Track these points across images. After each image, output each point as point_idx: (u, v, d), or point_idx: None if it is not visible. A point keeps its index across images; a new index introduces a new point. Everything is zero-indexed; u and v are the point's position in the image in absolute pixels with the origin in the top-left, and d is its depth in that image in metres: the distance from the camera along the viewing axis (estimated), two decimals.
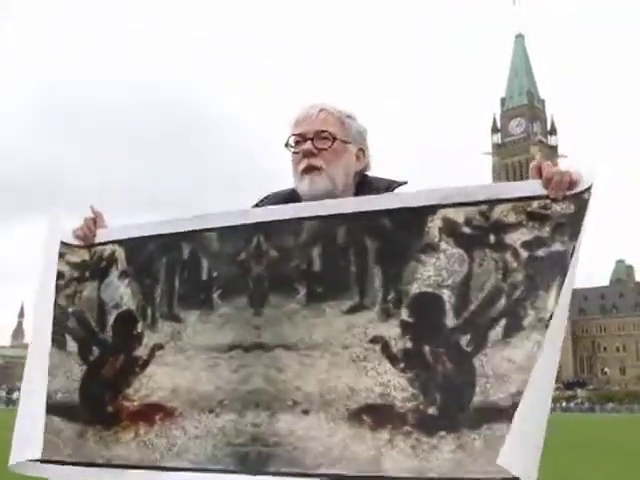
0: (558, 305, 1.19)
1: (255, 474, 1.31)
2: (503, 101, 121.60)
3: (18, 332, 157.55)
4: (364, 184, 1.61)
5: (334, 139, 1.56)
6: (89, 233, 1.63)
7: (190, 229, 1.53)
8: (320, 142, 1.56)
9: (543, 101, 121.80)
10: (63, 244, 1.63)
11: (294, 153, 1.60)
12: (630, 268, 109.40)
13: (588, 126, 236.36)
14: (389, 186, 1.59)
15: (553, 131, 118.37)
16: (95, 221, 1.65)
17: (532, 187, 1.31)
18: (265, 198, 1.69)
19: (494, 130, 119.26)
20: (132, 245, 1.59)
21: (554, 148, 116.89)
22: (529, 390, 1.12)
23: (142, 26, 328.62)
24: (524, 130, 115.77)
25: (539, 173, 1.31)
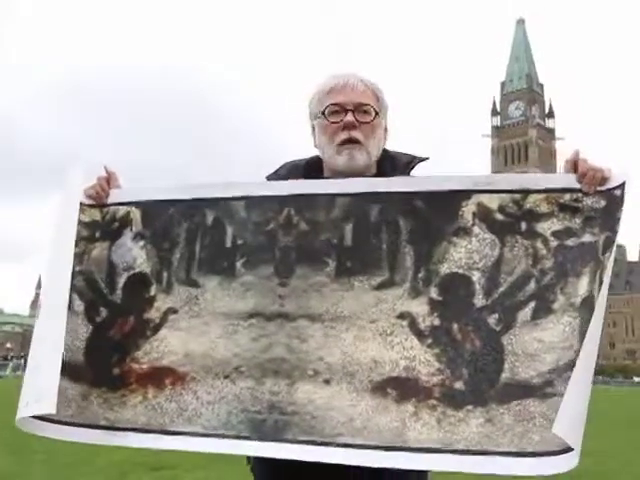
0: (600, 292, 1.21)
1: (271, 441, 1.26)
2: (503, 85, 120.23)
3: (36, 303, 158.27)
4: (386, 159, 1.54)
5: (376, 114, 1.47)
6: (102, 192, 1.53)
7: (216, 196, 1.47)
8: (361, 115, 1.46)
9: (542, 85, 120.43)
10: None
11: (332, 123, 1.47)
12: (622, 248, 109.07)
13: (585, 109, 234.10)
14: (410, 162, 1.53)
15: (551, 114, 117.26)
16: (109, 181, 1.55)
17: (566, 180, 1.31)
18: (281, 167, 1.60)
19: (494, 113, 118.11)
20: (150, 207, 1.50)
21: (552, 131, 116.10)
22: (578, 369, 1.13)
23: (160, 10, 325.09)
24: (523, 113, 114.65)
25: (574, 167, 1.31)
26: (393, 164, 1.52)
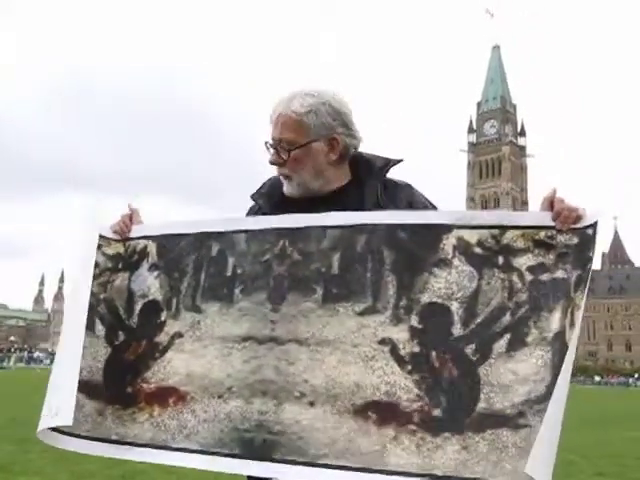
0: (573, 330, 1.21)
1: (260, 460, 1.27)
2: (479, 105, 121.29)
3: (38, 299, 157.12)
4: (360, 163, 1.51)
5: (289, 151, 1.45)
6: (125, 228, 1.60)
7: (220, 230, 1.50)
8: (282, 151, 1.46)
9: (515, 105, 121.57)
10: (101, 237, 1.60)
11: None
12: None
13: (554, 130, 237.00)
14: (385, 165, 1.51)
15: (523, 133, 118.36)
16: (131, 217, 1.62)
17: (541, 218, 1.30)
18: (263, 185, 1.61)
19: (470, 130, 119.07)
20: (164, 241, 1.56)
21: (523, 148, 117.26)
22: (552, 406, 1.11)
23: (159, 11, 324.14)
24: (497, 131, 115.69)
25: (550, 206, 1.30)
26: (368, 168, 1.50)
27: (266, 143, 1.49)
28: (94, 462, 5.34)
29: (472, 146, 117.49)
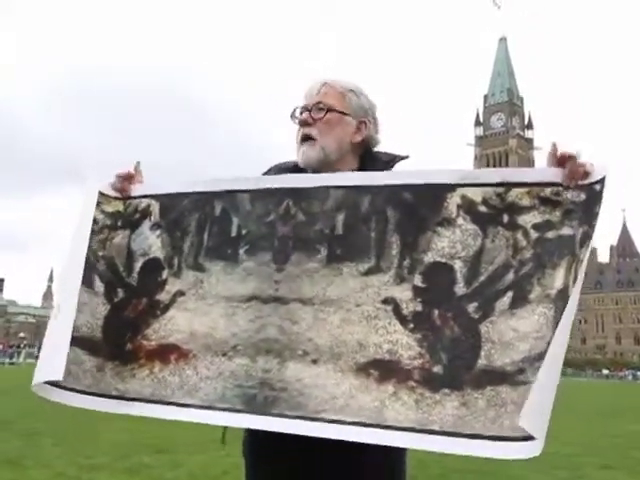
0: (575, 285, 1.19)
1: (261, 415, 1.28)
2: (486, 98, 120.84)
3: (48, 295, 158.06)
4: (367, 157, 1.53)
5: (327, 110, 1.47)
6: (126, 186, 1.57)
7: (224, 189, 1.49)
8: (316, 112, 1.48)
9: (522, 98, 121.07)
10: (101, 194, 1.56)
11: (296, 123, 1.52)
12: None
13: (562, 121, 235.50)
14: (391, 160, 1.52)
15: (530, 126, 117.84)
16: (133, 175, 1.58)
17: (547, 174, 1.28)
18: (269, 170, 1.60)
19: (477, 124, 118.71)
20: (167, 200, 1.54)
21: (530, 141, 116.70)
22: (547, 361, 1.11)
23: (159, 10, 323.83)
24: (504, 124, 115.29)
25: (556, 162, 1.27)
26: (374, 161, 1.51)
27: (295, 109, 1.50)
28: (103, 455, 5.40)
29: (479, 139, 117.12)
